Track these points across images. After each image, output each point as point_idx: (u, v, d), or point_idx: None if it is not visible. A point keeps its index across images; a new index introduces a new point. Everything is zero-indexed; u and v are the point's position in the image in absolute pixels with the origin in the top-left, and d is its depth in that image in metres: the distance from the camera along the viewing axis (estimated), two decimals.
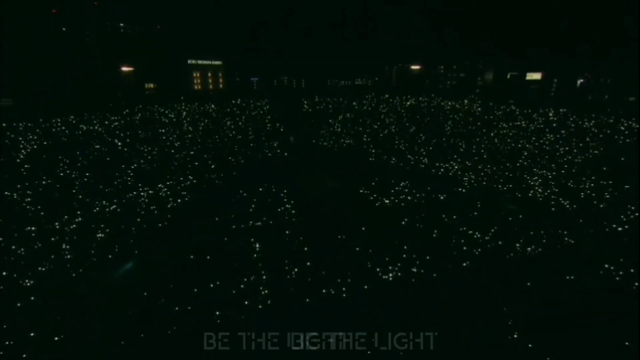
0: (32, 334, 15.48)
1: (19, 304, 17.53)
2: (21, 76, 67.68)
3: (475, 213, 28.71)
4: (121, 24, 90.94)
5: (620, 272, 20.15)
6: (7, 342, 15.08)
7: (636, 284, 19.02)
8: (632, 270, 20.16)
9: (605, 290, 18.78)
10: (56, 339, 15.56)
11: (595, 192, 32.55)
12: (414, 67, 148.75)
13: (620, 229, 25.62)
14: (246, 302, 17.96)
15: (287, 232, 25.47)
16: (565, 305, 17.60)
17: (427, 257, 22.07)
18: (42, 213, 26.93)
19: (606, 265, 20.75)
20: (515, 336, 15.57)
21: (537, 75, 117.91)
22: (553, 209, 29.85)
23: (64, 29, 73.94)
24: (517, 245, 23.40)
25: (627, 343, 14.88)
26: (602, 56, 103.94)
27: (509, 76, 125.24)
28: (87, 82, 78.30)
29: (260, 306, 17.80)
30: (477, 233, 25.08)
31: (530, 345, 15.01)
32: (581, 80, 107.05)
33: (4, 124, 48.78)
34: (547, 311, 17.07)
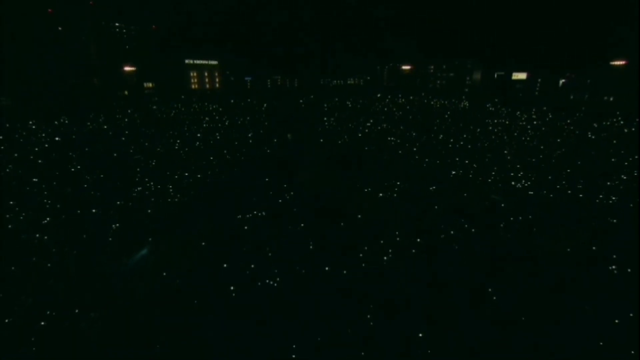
0: (76, 311, 17.35)
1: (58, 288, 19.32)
2: (18, 75, 67.77)
3: (463, 203, 31.30)
4: (117, 24, 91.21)
5: (589, 254, 22.82)
6: (48, 313, 16.98)
7: (613, 267, 21.21)
8: (594, 248, 23.00)
9: (578, 269, 21.26)
10: (92, 314, 17.47)
11: (570, 183, 35.60)
12: (404, 67, 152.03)
13: (591, 215, 28.49)
14: (257, 281, 20.05)
15: (288, 220, 27.52)
16: (542, 283, 19.82)
17: (418, 240, 24.51)
18: (58, 206, 28.47)
19: (575, 247, 23.43)
20: (495, 302, 18.08)
21: (522, 75, 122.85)
22: (532, 198, 32.66)
23: (60, 28, 74.14)
24: (500, 228, 26.07)
25: (586, 308, 17.55)
26: (585, 58, 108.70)
27: (495, 76, 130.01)
28: (85, 82, 78.62)
29: (269, 282, 19.91)
30: (462, 219, 27.63)
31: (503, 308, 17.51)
32: (563, 80, 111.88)
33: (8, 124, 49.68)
34: (527, 292, 19.08)
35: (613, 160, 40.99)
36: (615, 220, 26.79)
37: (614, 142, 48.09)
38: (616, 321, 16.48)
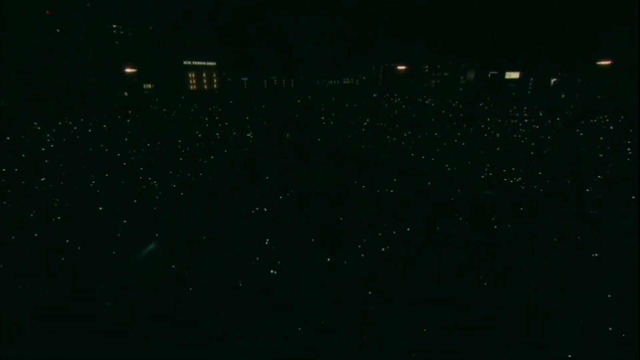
0: (91, 301, 18.36)
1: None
2: (17, 78, 67.96)
3: (457, 198, 32.60)
4: (114, 25, 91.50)
5: (577, 245, 24.20)
6: (64, 304, 17.98)
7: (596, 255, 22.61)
8: (580, 238, 24.37)
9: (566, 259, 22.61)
10: (107, 304, 18.46)
11: (560, 178, 37.07)
12: (400, 67, 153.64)
13: (579, 208, 29.94)
14: (261, 273, 21.07)
15: (289, 216, 28.57)
16: (533, 272, 21.10)
17: (414, 233, 25.70)
18: (66, 204, 29.28)
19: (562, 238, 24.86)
20: (490, 293, 19.32)
21: (515, 75, 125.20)
22: (524, 193, 34.05)
23: (58, 30, 74.35)
24: (493, 221, 27.35)
25: (572, 293, 18.87)
26: (576, 58, 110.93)
27: (489, 75, 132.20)
28: (84, 83, 78.95)
29: (273, 273, 20.98)
30: (457, 214, 28.89)
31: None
32: (555, 80, 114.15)
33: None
34: (519, 281, 20.29)
35: (600, 156, 42.62)
36: (598, 213, 28.24)
37: (601, 138, 49.85)
38: (601, 305, 17.84)
